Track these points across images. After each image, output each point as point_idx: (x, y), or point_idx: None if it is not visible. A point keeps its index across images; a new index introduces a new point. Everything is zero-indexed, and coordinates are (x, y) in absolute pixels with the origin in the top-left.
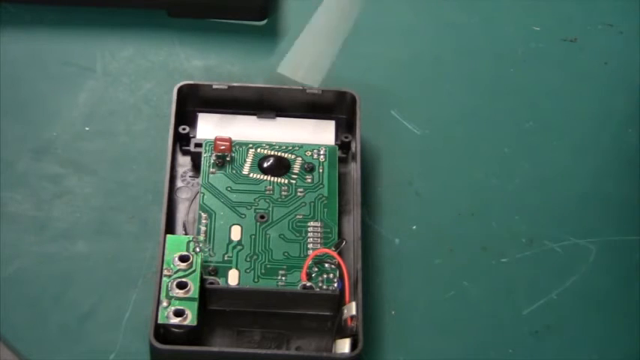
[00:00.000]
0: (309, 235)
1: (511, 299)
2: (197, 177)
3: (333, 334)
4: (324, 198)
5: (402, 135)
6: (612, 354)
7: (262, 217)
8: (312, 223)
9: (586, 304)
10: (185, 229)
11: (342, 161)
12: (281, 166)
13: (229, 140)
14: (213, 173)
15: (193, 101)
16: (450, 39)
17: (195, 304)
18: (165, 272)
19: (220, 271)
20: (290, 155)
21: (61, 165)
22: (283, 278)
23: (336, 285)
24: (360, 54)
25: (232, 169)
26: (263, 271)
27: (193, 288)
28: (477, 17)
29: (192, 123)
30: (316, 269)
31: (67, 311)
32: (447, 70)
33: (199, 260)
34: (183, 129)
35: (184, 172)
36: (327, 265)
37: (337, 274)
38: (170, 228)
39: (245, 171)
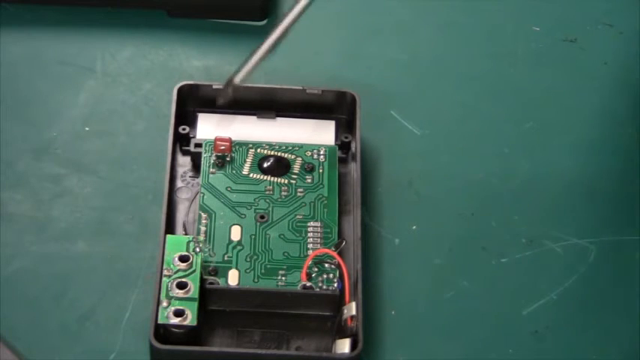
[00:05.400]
0: (309, 235)
1: (511, 299)
2: (197, 177)
3: (333, 334)
4: (324, 198)
5: (402, 135)
6: (612, 354)
7: (262, 217)
8: (312, 223)
9: (586, 304)
10: (185, 229)
11: (342, 161)
12: (281, 166)
13: (229, 140)
14: (213, 173)
15: (193, 101)
16: (450, 39)
17: (195, 304)
18: (165, 272)
19: (220, 271)
20: (290, 155)
21: (61, 165)
22: (283, 278)
23: (336, 285)
24: (360, 54)
25: (232, 169)
26: (263, 271)
27: (193, 288)
28: (476, 17)
29: (192, 123)
30: (316, 269)
31: (67, 311)
32: (447, 70)
33: (199, 260)
34: (183, 129)
35: (184, 172)
36: (327, 265)
37: (337, 274)
38: (170, 228)
39: (245, 171)
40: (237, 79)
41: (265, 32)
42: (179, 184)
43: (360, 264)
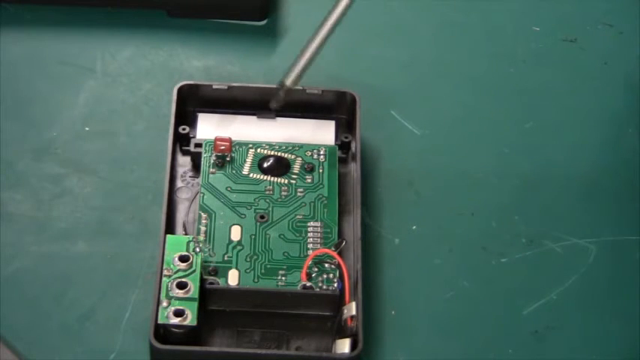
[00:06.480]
0: (309, 235)
1: (511, 299)
2: (197, 177)
3: (333, 334)
4: (324, 198)
5: (402, 135)
6: (612, 354)
7: (262, 217)
8: (312, 223)
9: (586, 304)
10: (185, 229)
11: (342, 161)
12: (281, 166)
13: (229, 140)
14: (213, 173)
15: (193, 101)
16: (450, 39)
17: (195, 304)
18: (165, 272)
19: (220, 271)
20: (290, 155)
21: (61, 165)
22: (283, 278)
23: (336, 285)
24: (360, 54)
25: (232, 169)
26: (263, 271)
27: (193, 288)
28: (476, 17)
29: (192, 123)
30: (316, 269)
31: (67, 311)
32: (447, 70)
33: (199, 260)
34: (183, 129)
35: (184, 172)
36: (327, 265)
37: (337, 274)
38: (170, 228)
39: (245, 171)
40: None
41: (265, 32)
42: (179, 184)
43: (360, 264)
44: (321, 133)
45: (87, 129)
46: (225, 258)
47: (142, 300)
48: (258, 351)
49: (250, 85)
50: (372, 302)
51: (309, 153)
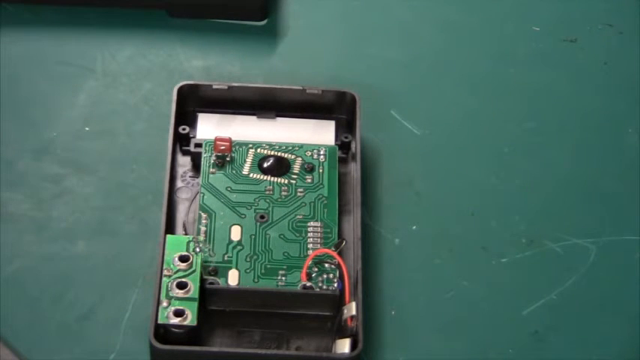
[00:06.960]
0: (309, 235)
1: (511, 299)
2: (197, 177)
3: (333, 334)
4: (324, 198)
5: (402, 135)
6: (612, 354)
7: (262, 217)
8: (312, 223)
9: (586, 304)
10: (185, 229)
11: (342, 161)
12: (281, 166)
13: (229, 140)
14: (213, 173)
15: (193, 101)
16: (450, 39)
17: (195, 304)
18: (165, 272)
19: (220, 271)
20: (290, 155)
21: (61, 165)
22: (283, 278)
23: (336, 285)
24: (360, 54)
25: (232, 169)
26: (263, 271)
27: (193, 288)
28: (477, 17)
29: (192, 123)
30: (316, 269)
31: (67, 311)
32: (447, 70)
33: (199, 260)
34: (183, 129)
35: (184, 172)
36: (327, 265)
37: (337, 274)
38: (170, 228)
39: (245, 171)
40: None
41: (265, 32)
42: (179, 184)
43: (360, 264)
44: (321, 133)
45: (87, 129)
46: (225, 258)
47: (142, 300)
48: (258, 351)
49: (250, 85)
50: (372, 302)
51: (309, 153)
